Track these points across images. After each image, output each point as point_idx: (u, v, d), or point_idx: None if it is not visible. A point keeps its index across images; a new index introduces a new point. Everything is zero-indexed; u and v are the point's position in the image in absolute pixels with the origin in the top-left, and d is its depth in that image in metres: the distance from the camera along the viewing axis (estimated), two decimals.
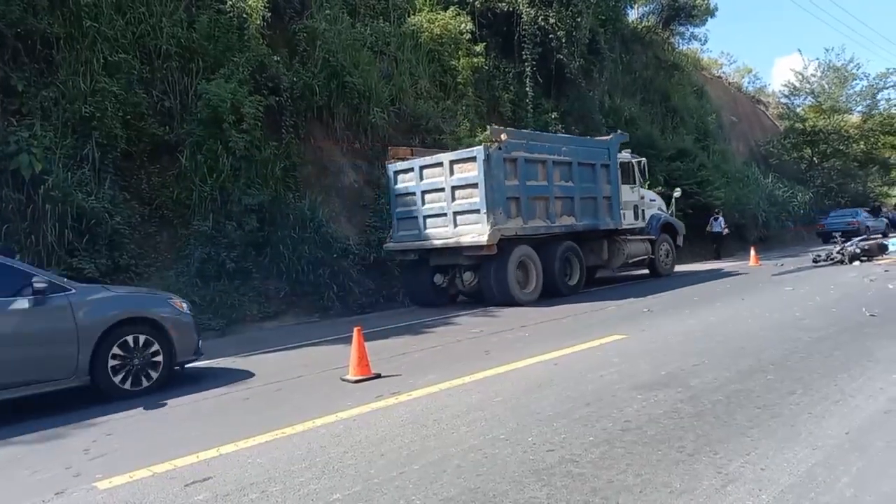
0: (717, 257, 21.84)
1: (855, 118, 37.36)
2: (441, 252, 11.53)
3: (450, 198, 11.19)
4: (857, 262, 14.73)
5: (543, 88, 20.32)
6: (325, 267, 12.11)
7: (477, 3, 19.19)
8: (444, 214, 11.32)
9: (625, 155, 14.31)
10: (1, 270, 5.55)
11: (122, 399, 5.75)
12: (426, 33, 17.64)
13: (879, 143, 37.11)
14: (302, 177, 13.74)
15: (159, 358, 6.09)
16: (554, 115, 19.96)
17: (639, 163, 14.82)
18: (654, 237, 15.04)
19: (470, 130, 16.84)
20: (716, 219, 22.48)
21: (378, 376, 5.86)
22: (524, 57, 19.43)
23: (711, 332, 7.24)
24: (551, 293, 11.64)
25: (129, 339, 5.92)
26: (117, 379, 5.82)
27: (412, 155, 12.42)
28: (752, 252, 18.21)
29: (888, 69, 37.01)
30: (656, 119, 26.42)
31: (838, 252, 15.26)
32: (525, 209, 11.31)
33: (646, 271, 15.37)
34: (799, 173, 35.24)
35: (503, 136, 11.06)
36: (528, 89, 19.45)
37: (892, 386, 4.55)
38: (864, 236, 18.36)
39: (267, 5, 13.41)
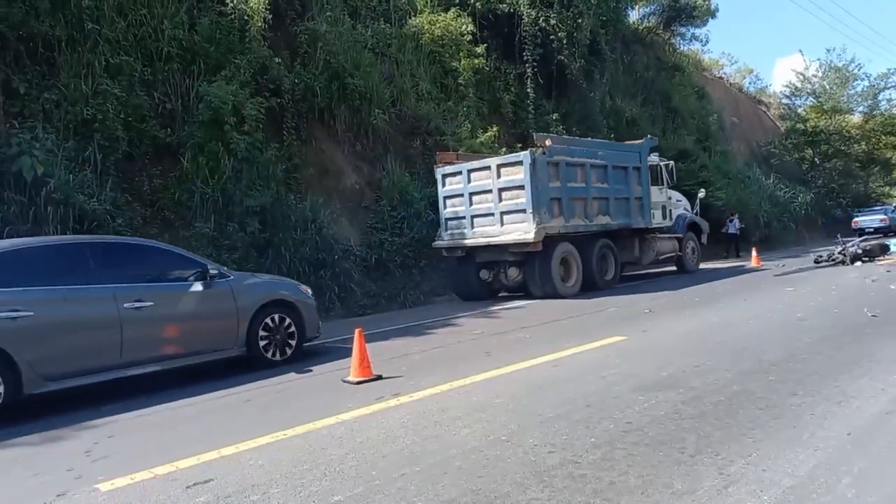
0: (737, 255, 22.52)
1: (856, 118, 37.34)
2: (487, 249, 12.35)
3: (497, 199, 12.01)
4: (858, 263, 14.71)
5: (544, 89, 20.34)
6: (327, 268, 12.12)
7: (478, 4, 19.21)
8: (492, 214, 12.14)
9: (653, 158, 15.11)
10: (179, 259, 6.77)
11: (267, 367, 6.82)
12: (427, 35, 17.67)
13: (881, 144, 37.08)
14: (303, 178, 13.77)
15: (294, 335, 7.24)
16: (555, 116, 19.98)
17: (666, 165, 15.70)
18: (680, 235, 15.94)
19: (471, 132, 16.85)
20: (731, 220, 23.28)
21: (379, 378, 5.85)
22: (525, 58, 19.44)
23: (713, 332, 7.23)
24: (589, 287, 12.55)
25: (276, 317, 7.07)
26: (264, 348, 6.95)
27: (457, 159, 13.35)
28: (754, 252, 18.24)
29: (889, 69, 37.11)
30: (657, 120, 26.39)
31: (840, 252, 15.25)
32: (566, 209, 12.12)
33: (673, 268, 16.30)
34: (800, 174, 35.22)
35: (547, 142, 11.86)
36: (529, 90, 19.47)
37: (894, 387, 4.53)
38: (866, 236, 18.34)
39: (268, 7, 13.44)
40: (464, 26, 18.21)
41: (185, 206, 11.42)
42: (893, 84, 36.05)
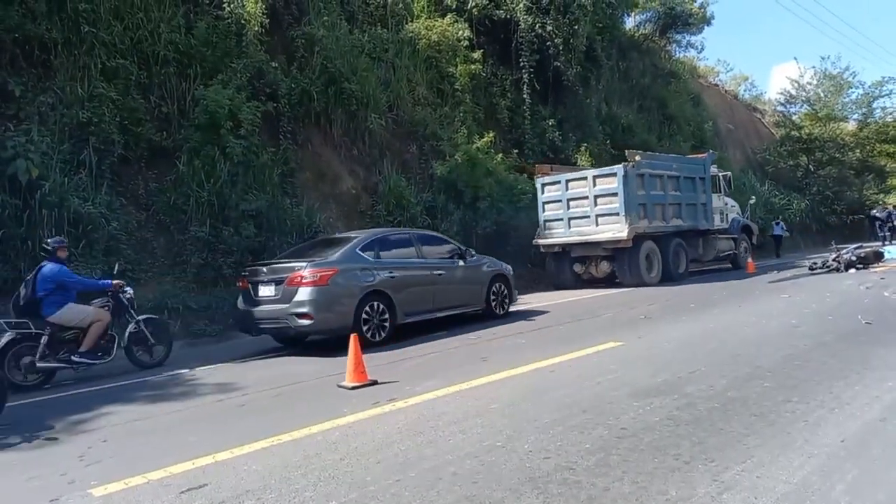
0: (777, 256, 24.12)
1: (851, 126, 37.50)
2: (582, 245, 14.73)
3: (592, 204, 14.38)
4: (852, 270, 14.78)
5: (541, 95, 20.37)
6: None
7: (475, 10, 19.24)
8: (587, 217, 14.51)
9: (713, 169, 17.51)
10: (449, 244, 10.06)
11: (497, 318, 9.93)
12: (424, 40, 17.69)
13: (875, 151, 37.22)
14: (299, 182, 13.74)
15: (507, 299, 10.39)
16: (551, 122, 20.03)
17: (724, 176, 18.36)
18: (735, 236, 18.40)
19: (467, 137, 16.87)
20: (777, 223, 25.53)
21: (375, 383, 5.84)
22: (521, 64, 19.48)
23: (708, 338, 7.25)
24: (667, 278, 14.89)
25: (500, 285, 10.23)
26: (494, 306, 10.07)
27: (552, 171, 16.15)
28: (749, 259, 18.31)
29: (884, 77, 37.29)
30: (653, 126, 26.51)
31: (834, 260, 15.32)
32: (649, 213, 14.42)
33: (728, 265, 18.57)
34: (795, 181, 35.33)
35: (637, 157, 14.32)
36: (525, 96, 19.51)
37: (888, 393, 4.56)
38: (860, 244, 18.44)
39: (265, 11, 13.45)
40: (460, 32, 18.24)
41: (181, 209, 11.38)
42: (888, 92, 36.22)
